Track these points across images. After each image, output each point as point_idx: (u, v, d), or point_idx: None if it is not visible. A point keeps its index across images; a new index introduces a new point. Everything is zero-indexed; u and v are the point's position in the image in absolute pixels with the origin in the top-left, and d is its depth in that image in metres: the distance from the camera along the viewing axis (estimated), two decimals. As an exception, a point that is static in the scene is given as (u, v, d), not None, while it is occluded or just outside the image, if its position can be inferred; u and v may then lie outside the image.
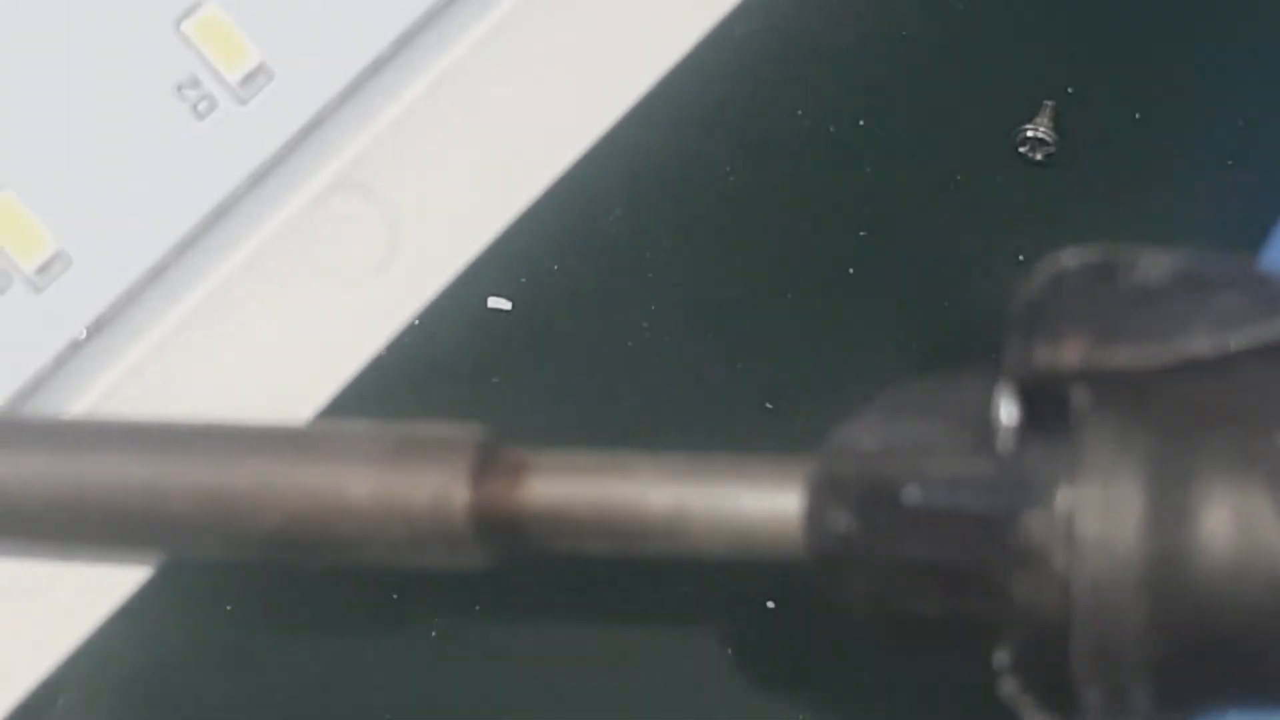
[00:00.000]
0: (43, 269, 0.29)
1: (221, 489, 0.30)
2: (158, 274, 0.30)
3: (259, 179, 0.30)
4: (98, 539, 0.30)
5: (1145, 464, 0.27)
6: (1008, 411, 0.28)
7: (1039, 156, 0.43)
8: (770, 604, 0.41)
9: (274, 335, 0.29)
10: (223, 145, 0.30)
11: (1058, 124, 0.43)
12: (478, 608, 0.39)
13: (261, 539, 0.30)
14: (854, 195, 0.42)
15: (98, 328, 0.30)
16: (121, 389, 0.30)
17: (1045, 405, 0.28)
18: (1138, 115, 0.43)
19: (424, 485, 0.30)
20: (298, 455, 0.30)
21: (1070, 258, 0.29)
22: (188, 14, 0.30)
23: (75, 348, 0.30)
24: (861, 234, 0.42)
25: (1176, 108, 0.43)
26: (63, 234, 0.29)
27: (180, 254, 0.30)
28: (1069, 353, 0.28)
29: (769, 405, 0.42)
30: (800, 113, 0.43)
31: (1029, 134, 0.43)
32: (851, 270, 0.42)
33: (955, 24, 0.44)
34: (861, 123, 0.43)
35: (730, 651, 0.40)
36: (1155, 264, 0.28)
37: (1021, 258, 0.43)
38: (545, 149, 0.31)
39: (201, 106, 0.30)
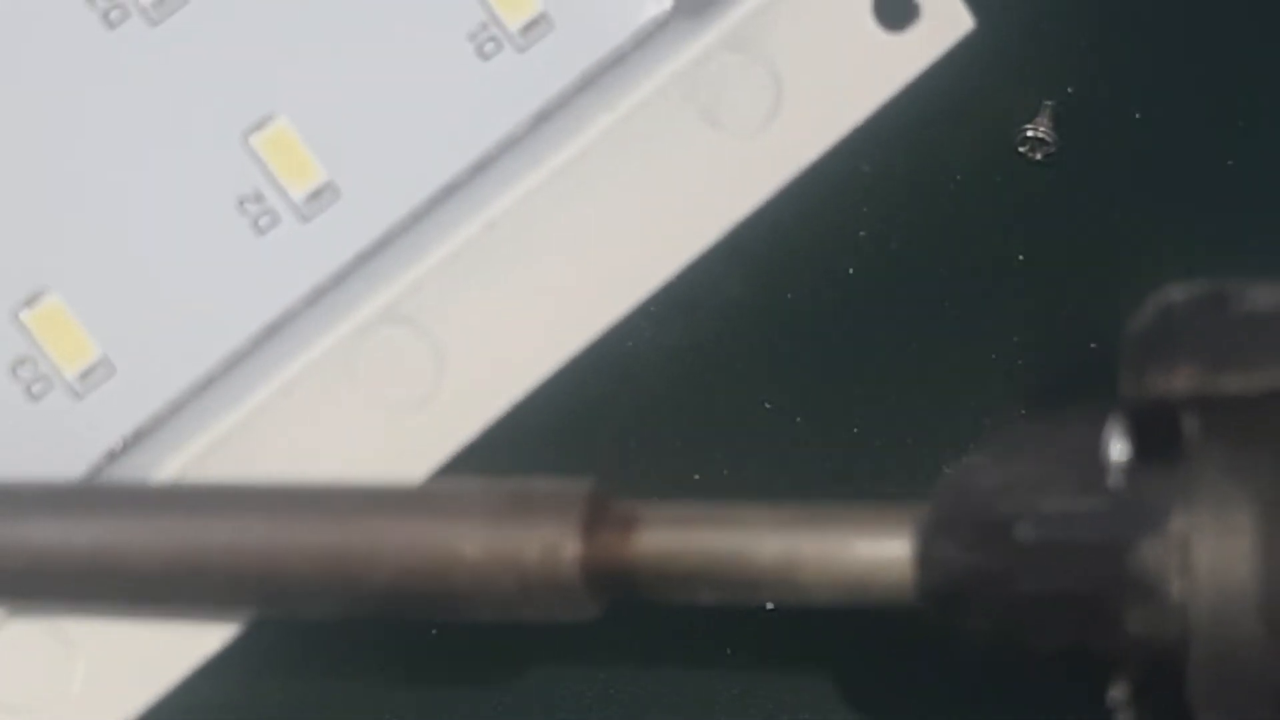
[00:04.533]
0: (85, 375, 0.29)
1: (336, 547, 0.30)
2: (203, 387, 0.29)
3: (313, 300, 0.30)
4: (214, 599, 0.31)
5: (1258, 489, 0.27)
6: (1119, 444, 0.28)
7: (1039, 156, 0.43)
8: (770, 604, 0.41)
9: (313, 457, 0.29)
10: (281, 262, 0.29)
11: (1058, 124, 0.43)
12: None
13: (375, 596, 0.30)
14: (854, 195, 0.42)
15: (136, 439, 0.29)
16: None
17: (1157, 435, 0.28)
18: (1138, 115, 0.43)
19: (535, 539, 0.30)
20: (410, 512, 0.30)
21: (1178, 291, 0.29)
22: (257, 127, 0.29)
23: (112, 458, 0.29)
24: (861, 234, 0.42)
25: (1176, 108, 0.43)
26: (109, 342, 0.29)
27: (229, 368, 0.29)
28: (1180, 380, 0.28)
29: (768, 405, 0.42)
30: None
31: (1029, 134, 0.43)
32: (851, 270, 0.42)
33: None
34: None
35: (730, 651, 0.40)
36: (1265, 294, 0.28)
37: (1021, 257, 0.43)
38: (598, 299, 0.30)
39: (263, 222, 0.29)
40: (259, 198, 0.29)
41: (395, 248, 0.30)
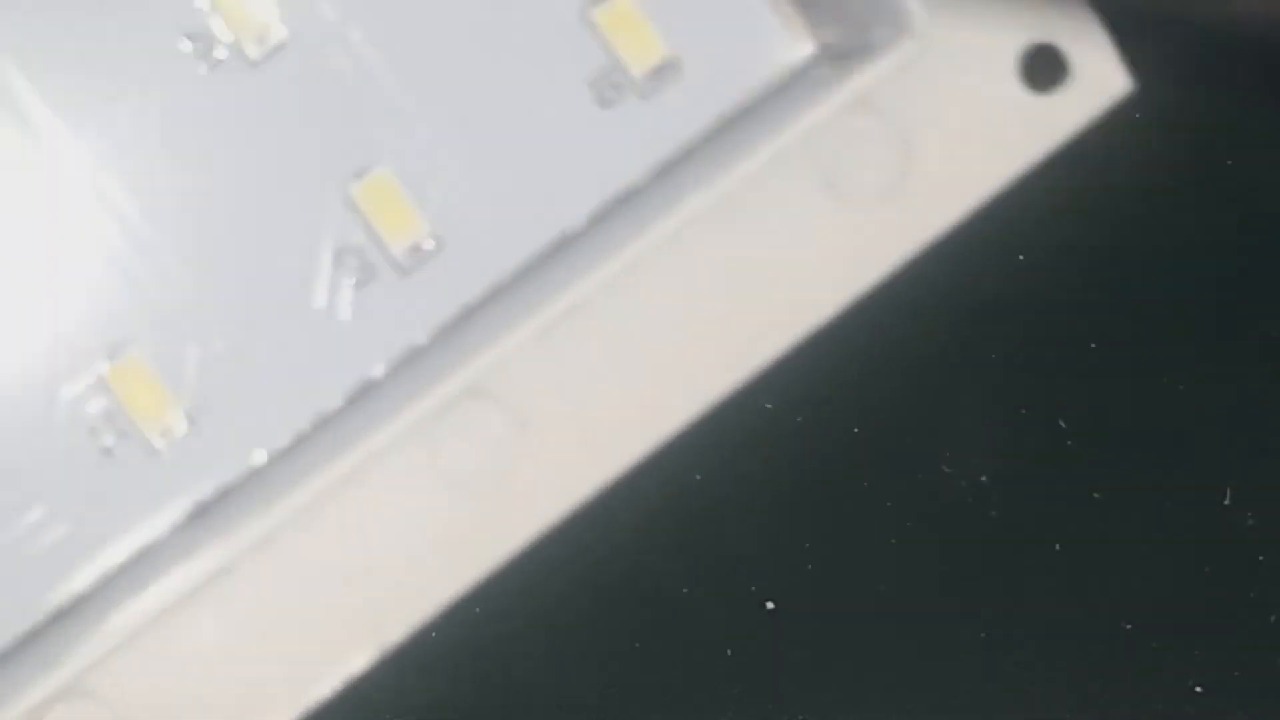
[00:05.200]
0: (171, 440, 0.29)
1: None
2: (288, 450, 0.28)
3: (408, 360, 0.28)
4: None
5: None
6: None
7: (1036, 156, 0.43)
8: (770, 604, 0.41)
9: (400, 531, 0.27)
10: (382, 319, 0.28)
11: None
12: (478, 610, 0.39)
13: None
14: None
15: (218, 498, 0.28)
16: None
17: None
18: (1138, 115, 0.43)
19: None
20: None
21: None
22: (359, 176, 0.28)
23: (177, 529, 0.29)
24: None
25: (1176, 107, 0.43)
26: (186, 398, 0.28)
27: (317, 431, 0.28)
28: None
29: (769, 405, 0.42)
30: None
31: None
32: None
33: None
34: (861, 122, 0.43)
35: (730, 652, 0.40)
36: None
37: (1021, 257, 0.43)
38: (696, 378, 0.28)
39: (361, 275, 0.28)
40: (359, 251, 0.28)
41: (494, 310, 0.28)
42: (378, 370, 0.28)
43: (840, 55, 0.28)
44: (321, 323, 0.28)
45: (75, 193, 0.28)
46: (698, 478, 0.40)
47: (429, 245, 0.28)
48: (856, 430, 0.42)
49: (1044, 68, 0.28)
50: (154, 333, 0.28)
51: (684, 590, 0.41)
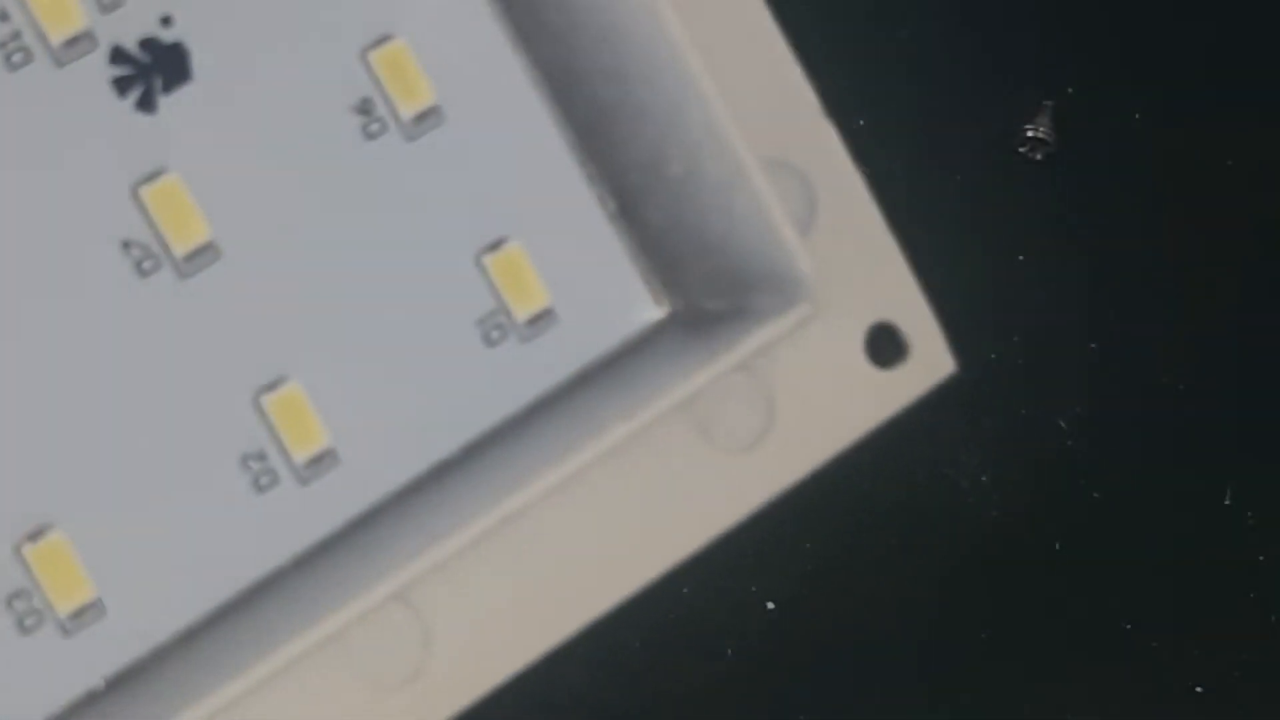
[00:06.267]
0: (77, 614, 0.29)
1: None
2: (189, 636, 0.30)
3: (302, 563, 0.30)
4: None
5: None
6: None
7: (1039, 156, 0.43)
8: (770, 604, 0.41)
9: None
10: (277, 522, 0.30)
11: (1058, 124, 0.43)
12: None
13: None
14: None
15: (118, 681, 0.30)
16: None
17: None
18: (1138, 115, 0.43)
19: None
20: None
21: None
22: (269, 388, 0.31)
23: (93, 699, 0.30)
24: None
25: (1176, 108, 0.43)
26: (104, 582, 0.29)
27: (213, 622, 0.30)
28: None
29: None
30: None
31: (1029, 134, 0.43)
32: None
33: (956, 23, 0.44)
34: (861, 123, 0.43)
35: (730, 652, 0.40)
36: None
37: (1021, 257, 0.43)
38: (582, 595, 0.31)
39: (264, 480, 0.30)
40: (262, 456, 0.30)
41: (389, 520, 0.31)
42: (271, 570, 0.30)
43: (711, 318, 0.31)
44: (226, 520, 0.30)
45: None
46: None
47: (327, 458, 0.30)
48: (856, 430, 0.42)
49: (886, 346, 0.31)
50: (75, 517, 0.29)
51: (684, 590, 0.41)
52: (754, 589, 0.41)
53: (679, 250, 0.31)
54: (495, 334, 0.31)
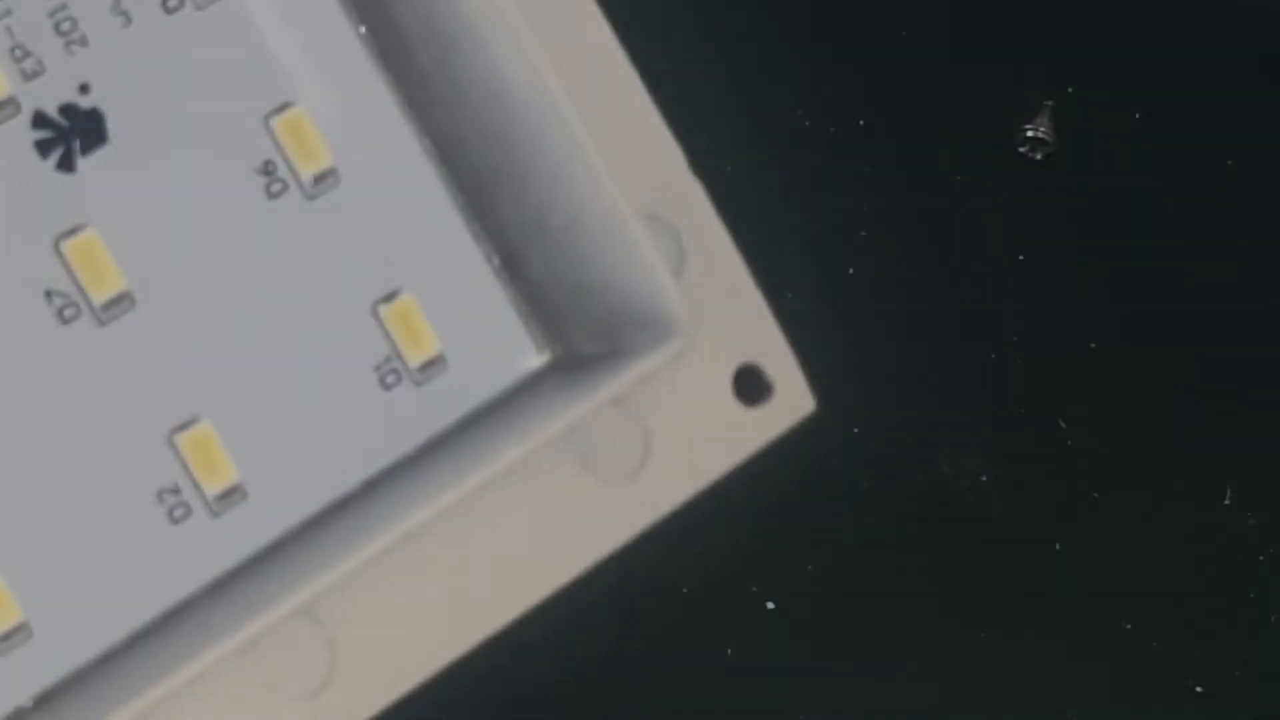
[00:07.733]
0: (3, 638, 0.31)
1: None
2: (110, 659, 0.31)
3: (214, 588, 0.32)
4: None
5: None
6: None
7: (1039, 156, 0.43)
8: (770, 604, 0.41)
9: None
10: (191, 552, 0.32)
11: (1058, 124, 0.43)
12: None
13: None
14: (854, 195, 0.42)
15: (45, 699, 0.31)
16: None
17: None
18: (1138, 115, 0.43)
19: None
20: None
21: None
22: (183, 427, 0.32)
23: (20, 715, 0.31)
24: (862, 234, 0.42)
25: (1176, 108, 0.43)
26: (30, 608, 0.31)
27: (134, 644, 0.31)
28: None
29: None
30: (800, 112, 0.43)
31: (1029, 134, 0.43)
32: (851, 270, 0.42)
33: (955, 23, 0.44)
34: (861, 123, 0.43)
35: (730, 651, 0.40)
36: None
37: (1021, 258, 0.43)
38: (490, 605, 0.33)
39: (178, 513, 0.32)
40: (176, 490, 0.32)
41: (295, 546, 0.33)
42: (186, 595, 0.32)
43: (591, 360, 0.33)
44: (141, 549, 0.32)
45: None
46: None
47: (236, 492, 0.32)
48: (856, 430, 0.42)
49: (751, 386, 0.33)
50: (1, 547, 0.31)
51: (684, 590, 0.41)
52: (754, 589, 0.41)
53: (559, 300, 0.33)
54: (390, 378, 0.33)
